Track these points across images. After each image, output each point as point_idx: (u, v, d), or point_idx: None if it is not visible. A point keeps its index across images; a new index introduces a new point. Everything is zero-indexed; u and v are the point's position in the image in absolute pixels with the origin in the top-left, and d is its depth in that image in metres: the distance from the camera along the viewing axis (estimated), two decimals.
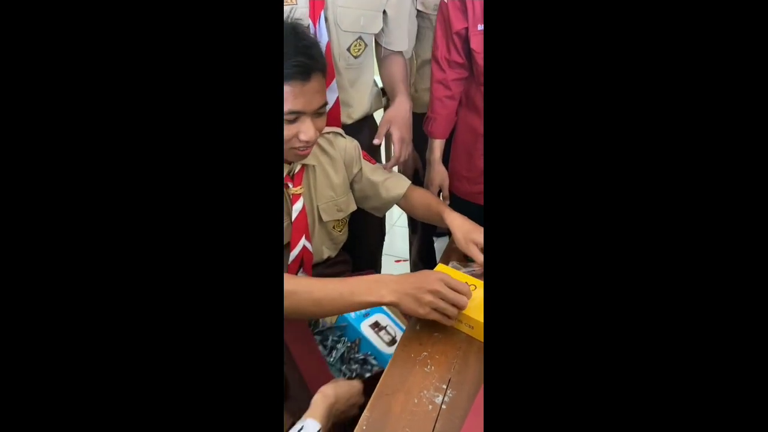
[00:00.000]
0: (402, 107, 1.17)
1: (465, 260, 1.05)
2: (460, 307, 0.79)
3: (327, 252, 1.13)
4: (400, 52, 1.28)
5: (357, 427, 0.70)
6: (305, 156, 0.94)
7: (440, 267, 0.95)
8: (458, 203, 1.32)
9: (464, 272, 0.97)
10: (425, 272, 0.81)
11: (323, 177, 1.06)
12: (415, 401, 0.74)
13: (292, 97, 0.83)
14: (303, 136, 0.87)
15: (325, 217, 1.08)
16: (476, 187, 1.29)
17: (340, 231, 1.13)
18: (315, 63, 0.85)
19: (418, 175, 1.51)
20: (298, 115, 0.85)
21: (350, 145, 1.11)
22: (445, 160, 1.31)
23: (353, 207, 1.14)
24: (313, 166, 1.03)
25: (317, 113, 0.89)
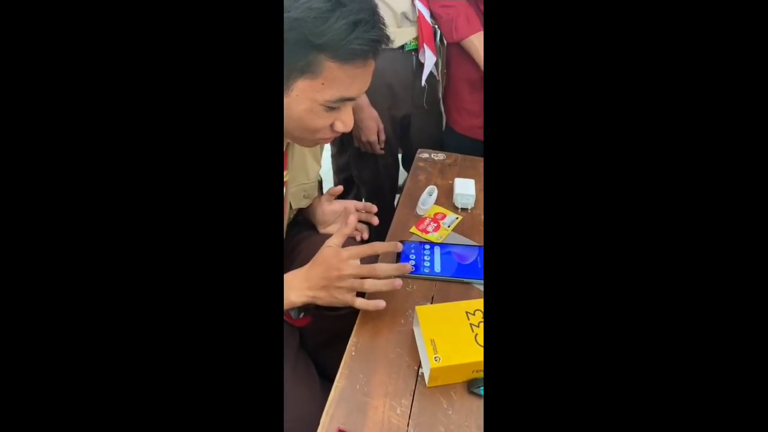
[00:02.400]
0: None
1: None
2: (377, 276, 0.69)
3: None
4: None
5: (345, 353, 0.67)
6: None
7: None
8: (455, 138, 1.27)
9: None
10: (326, 256, 0.70)
11: (300, 157, 0.87)
12: (402, 321, 0.72)
13: (349, 80, 0.62)
14: (339, 126, 0.67)
15: (293, 204, 0.89)
16: (478, 120, 1.23)
17: (291, 216, 0.96)
18: (385, 36, 0.63)
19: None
20: (344, 102, 0.65)
21: None
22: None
23: (316, 194, 0.96)
24: (291, 143, 0.83)
25: None
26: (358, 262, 0.69)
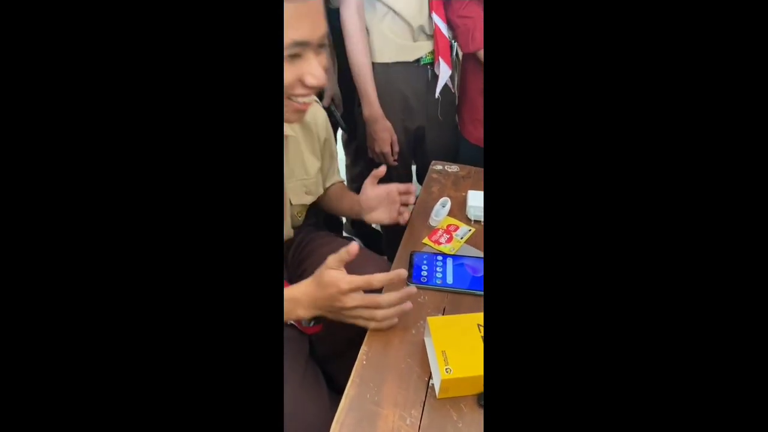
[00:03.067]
0: None
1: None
2: (381, 307, 0.69)
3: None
4: None
5: (357, 362, 0.67)
6: (305, 111, 0.70)
7: None
8: (469, 149, 1.28)
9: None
10: (327, 283, 0.68)
11: (296, 150, 0.85)
12: (413, 332, 0.72)
13: (294, 20, 0.57)
14: (310, 80, 0.63)
15: (293, 200, 0.87)
16: None
17: (300, 217, 0.93)
18: None
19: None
20: (301, 48, 0.61)
21: (320, 112, 0.92)
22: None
23: (321, 190, 0.94)
24: (287, 136, 0.81)
25: (319, 46, 0.64)
26: (362, 292, 0.69)
